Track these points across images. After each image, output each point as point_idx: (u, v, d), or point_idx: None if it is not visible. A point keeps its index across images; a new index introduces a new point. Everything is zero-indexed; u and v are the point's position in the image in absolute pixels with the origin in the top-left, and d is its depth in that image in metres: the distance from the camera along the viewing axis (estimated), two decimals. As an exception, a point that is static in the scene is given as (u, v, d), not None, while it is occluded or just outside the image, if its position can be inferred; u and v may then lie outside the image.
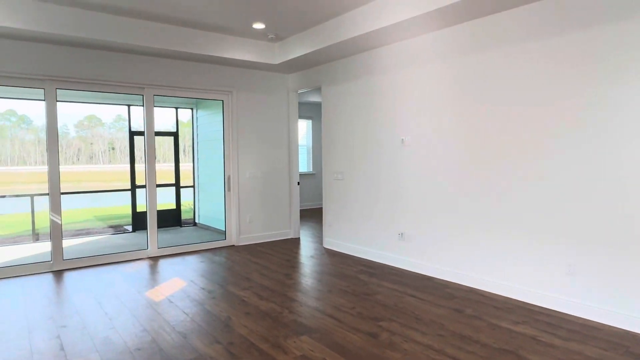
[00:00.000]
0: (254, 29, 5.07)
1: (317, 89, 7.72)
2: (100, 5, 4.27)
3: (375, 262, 5.08)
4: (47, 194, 4.89)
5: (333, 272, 4.65)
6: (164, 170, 7.89)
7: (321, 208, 10.12)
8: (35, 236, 6.62)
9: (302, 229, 7.34)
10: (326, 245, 5.93)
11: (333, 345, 2.88)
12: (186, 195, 7.96)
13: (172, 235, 6.92)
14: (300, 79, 6.27)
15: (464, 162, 4.11)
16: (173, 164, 7.73)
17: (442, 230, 4.35)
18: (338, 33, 4.65)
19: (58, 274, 4.74)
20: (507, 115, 3.74)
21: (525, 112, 3.62)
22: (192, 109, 7.89)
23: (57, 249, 4.90)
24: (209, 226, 7.35)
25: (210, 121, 7.27)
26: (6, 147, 6.79)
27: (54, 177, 4.88)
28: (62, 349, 2.88)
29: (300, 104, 9.77)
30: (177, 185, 7.80)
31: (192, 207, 7.99)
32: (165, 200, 7.63)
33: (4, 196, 6.83)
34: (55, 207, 4.89)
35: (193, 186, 7.95)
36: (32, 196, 6.59)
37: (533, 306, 3.56)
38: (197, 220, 7.89)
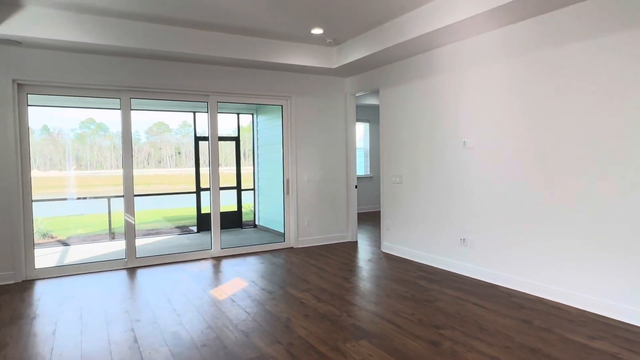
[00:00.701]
0: (313, 34, 5.14)
1: (375, 92, 7.68)
2: (169, 18, 4.54)
3: (435, 267, 4.95)
4: (122, 196, 5.26)
5: (391, 277, 4.59)
6: (226, 174, 8.21)
7: (378, 211, 10.03)
8: (112, 235, 7.15)
9: (359, 232, 7.32)
10: (384, 249, 5.86)
11: (392, 351, 2.84)
12: (247, 197, 8.23)
13: (234, 237, 7.18)
14: (358, 82, 6.27)
15: (530, 164, 3.89)
16: (234, 168, 8.02)
17: (507, 235, 4.14)
18: (397, 34, 4.60)
19: (131, 270, 5.08)
20: (584, 112, 3.50)
21: (608, 106, 3.36)
22: (252, 114, 8.15)
23: (130, 247, 5.25)
24: (268, 228, 7.54)
25: (270, 126, 7.47)
26: (86, 153, 7.40)
27: (128, 180, 5.24)
28: (135, 341, 3.08)
29: (358, 107, 9.76)
30: (238, 188, 8.08)
31: (252, 209, 8.23)
32: (227, 202, 7.93)
33: (85, 198, 7.44)
34: (129, 209, 5.25)
35: (253, 189, 8.20)
36: (109, 198, 7.12)
37: (612, 320, 3.29)
38: (257, 222, 8.12)
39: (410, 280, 4.47)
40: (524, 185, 3.98)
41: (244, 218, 8.15)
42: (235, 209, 8.02)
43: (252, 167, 8.23)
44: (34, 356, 2.86)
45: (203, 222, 7.46)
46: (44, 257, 5.50)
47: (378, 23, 4.75)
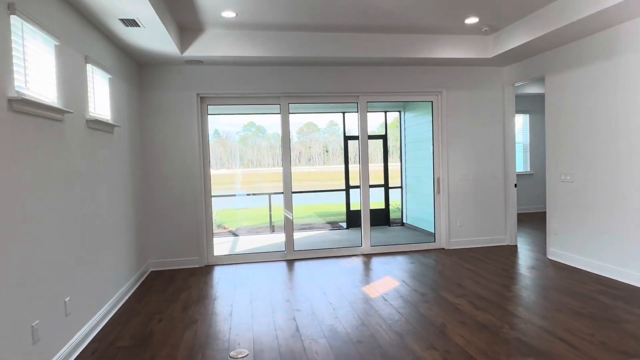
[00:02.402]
0: (466, 24, 4.84)
1: (539, 80, 6.88)
2: (322, 25, 4.77)
3: (618, 281, 4.21)
4: (282, 193, 5.74)
5: (561, 289, 4.06)
6: (372, 171, 8.32)
7: (540, 212, 9.00)
8: (272, 228, 7.88)
9: (519, 235, 6.67)
10: (550, 256, 5.22)
11: (569, 375, 2.50)
12: (394, 195, 8.21)
13: (381, 234, 7.23)
14: (518, 71, 5.69)
15: None
16: (382, 165, 8.06)
17: None
18: (568, 13, 4.02)
19: (290, 262, 5.51)
20: None
21: None
22: (399, 111, 8.08)
23: (289, 241, 5.71)
24: (416, 227, 7.40)
25: (418, 122, 7.29)
26: (248, 153, 8.28)
27: (287, 178, 5.69)
28: (297, 330, 3.33)
29: (516, 98, 8.88)
30: (385, 186, 8.10)
31: (400, 207, 8.17)
32: (375, 199, 8.03)
33: (249, 194, 8.34)
34: (288, 205, 5.70)
35: (401, 187, 8.13)
36: (269, 195, 7.85)
37: None
38: (404, 221, 8.04)
39: (586, 294, 3.88)
40: None
41: (392, 216, 8.14)
42: (382, 206, 8.07)
43: (399, 165, 8.17)
44: (217, 333, 3.31)
45: (352, 219, 7.68)
46: (219, 246, 6.34)
47: (543, 4, 4.23)
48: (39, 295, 2.55)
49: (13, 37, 2.38)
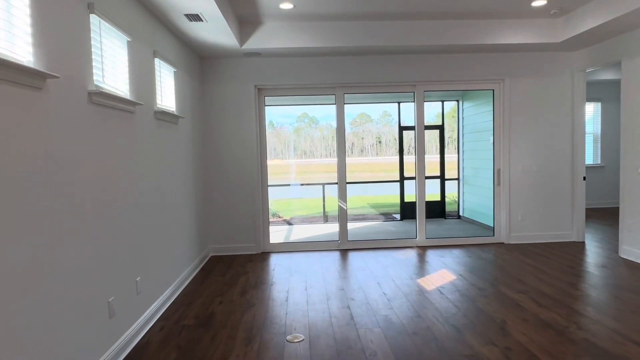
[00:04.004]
0: (533, 7, 4.57)
1: (614, 64, 6.37)
2: (377, 14, 4.70)
3: None
4: (336, 183, 5.77)
5: (636, 289, 3.77)
6: (428, 162, 8.14)
7: (611, 208, 8.38)
8: (325, 218, 7.95)
9: (587, 231, 6.27)
10: (623, 255, 4.87)
11: (644, 381, 2.34)
12: (450, 187, 7.98)
13: (437, 227, 7.08)
14: (591, 56, 5.30)
15: None
16: (438, 156, 7.86)
17: None
18: (652, -10, 3.68)
19: (343, 252, 5.55)
20: None
21: None
22: (457, 100, 7.81)
23: (343, 230, 5.74)
24: (474, 220, 7.16)
25: (477, 112, 7.02)
26: (301, 143, 8.38)
27: (342, 168, 5.70)
28: (352, 318, 3.36)
29: (586, 85, 8.30)
30: (442, 178, 7.90)
31: (457, 199, 7.94)
32: (430, 191, 7.85)
33: (303, 184, 8.45)
34: (342, 195, 5.73)
35: (457, 178, 7.89)
36: (323, 185, 7.92)
37: None
38: (461, 213, 7.81)
39: (665, 296, 3.59)
40: None
41: (447, 208, 7.94)
42: (438, 198, 7.88)
43: (456, 156, 7.93)
44: (274, 317, 3.41)
45: (406, 210, 7.57)
46: (274, 234, 6.50)
47: (624, -20, 3.89)
48: (114, 273, 2.76)
49: (92, 35, 2.56)
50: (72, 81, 2.31)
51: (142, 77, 3.37)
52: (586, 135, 8.59)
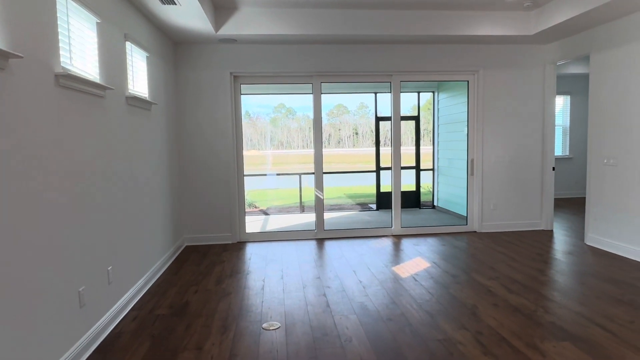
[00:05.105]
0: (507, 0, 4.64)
1: (583, 58, 6.56)
2: (355, 2, 4.68)
3: (662, 270, 4.05)
4: (312, 174, 5.76)
5: (600, 275, 3.93)
6: (404, 153, 8.23)
7: (578, 198, 8.69)
8: (302, 208, 7.95)
9: (555, 220, 6.47)
10: (589, 242, 5.05)
11: (606, 361, 2.45)
12: (425, 177, 8.10)
13: (412, 216, 7.18)
14: (561, 49, 5.43)
15: None
16: (414, 147, 7.95)
17: None
18: (621, -14, 3.78)
19: (320, 241, 5.56)
20: None
21: None
22: (433, 92, 7.90)
23: (319, 220, 5.75)
24: (448, 210, 7.30)
25: (452, 103, 7.12)
26: (278, 134, 8.34)
27: (318, 157, 5.69)
28: (327, 305, 3.38)
29: (557, 78, 8.51)
30: (417, 168, 8.00)
31: (431, 189, 8.07)
32: (406, 181, 7.95)
33: (281, 174, 8.41)
34: (319, 185, 5.73)
35: (432, 169, 8.01)
36: (300, 175, 7.91)
37: None
38: (435, 203, 7.94)
39: (627, 281, 3.75)
40: None
41: (422, 198, 8.06)
42: (413, 188, 7.99)
43: (431, 147, 8.04)
44: (250, 306, 3.40)
45: (382, 200, 7.65)
46: (250, 224, 6.46)
47: (594, -25, 3.99)
48: (84, 264, 2.68)
49: (58, 15, 2.46)
50: (37, 62, 2.21)
51: (113, 61, 3.26)
52: (556, 127, 8.85)
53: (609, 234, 4.75)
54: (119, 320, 3.15)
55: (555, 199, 8.59)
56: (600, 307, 3.22)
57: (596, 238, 4.94)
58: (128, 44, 3.61)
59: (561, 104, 8.89)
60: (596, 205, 4.93)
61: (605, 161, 4.78)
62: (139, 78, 3.92)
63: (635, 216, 4.38)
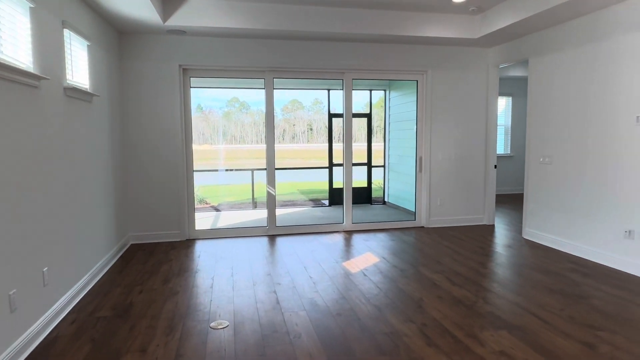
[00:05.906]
0: (454, 2, 4.81)
1: (523, 62, 6.93)
2: (310, -2, 4.68)
3: (589, 260, 4.38)
4: (264, 169, 5.71)
5: (535, 267, 4.19)
6: (357, 150, 8.35)
7: (519, 194, 9.20)
8: (254, 204, 7.87)
9: (497, 215, 6.82)
10: (526, 236, 5.37)
11: (538, 347, 2.62)
12: (376, 174, 8.26)
13: (363, 212, 7.31)
14: (503, 53, 5.72)
15: None
16: (365, 144, 8.08)
17: (693, 231, 3.43)
18: (556, -5, 4.03)
19: (271, 237, 5.54)
20: None
21: None
22: (384, 90, 8.07)
23: (271, 216, 5.72)
24: (397, 206, 7.50)
25: (403, 102, 7.30)
26: (231, 129, 8.19)
27: (270, 155, 5.65)
28: (277, 302, 3.37)
29: (500, 80, 8.95)
30: (368, 165, 8.15)
31: (382, 186, 8.25)
32: (358, 178, 8.08)
33: (232, 170, 8.27)
34: (271, 181, 5.69)
35: (383, 166, 8.19)
36: (252, 171, 7.82)
37: None
38: (386, 199, 8.13)
39: (558, 272, 4.03)
40: None
41: (374, 194, 8.22)
42: (365, 184, 8.13)
43: (382, 144, 8.21)
44: (198, 305, 3.33)
45: (334, 197, 7.73)
46: (201, 221, 6.32)
47: (533, -17, 4.23)
48: (15, 265, 2.51)
49: (-15, -4, 2.27)
50: (-41, 48, 2.03)
51: (49, 49, 3.06)
52: (498, 127, 9.30)
53: (542, 228, 5.07)
54: (55, 324, 2.98)
55: (497, 195, 9.05)
56: (534, 296, 3.43)
57: (532, 232, 5.25)
58: (66, 31, 3.40)
59: (504, 104, 9.37)
60: (532, 201, 5.24)
61: (541, 159, 5.09)
62: (79, 68, 3.71)
63: (568, 212, 4.70)
